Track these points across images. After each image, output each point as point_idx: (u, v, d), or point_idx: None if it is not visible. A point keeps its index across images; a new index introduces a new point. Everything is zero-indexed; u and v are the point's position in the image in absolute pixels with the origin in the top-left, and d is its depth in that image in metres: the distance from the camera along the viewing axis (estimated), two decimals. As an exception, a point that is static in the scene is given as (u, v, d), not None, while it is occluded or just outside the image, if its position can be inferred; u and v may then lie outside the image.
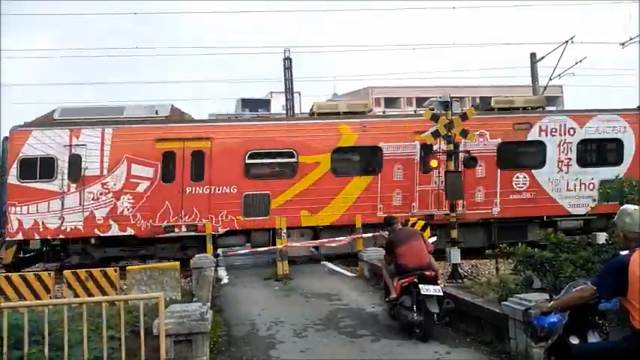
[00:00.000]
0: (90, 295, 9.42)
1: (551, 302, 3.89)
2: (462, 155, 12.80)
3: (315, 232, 14.31)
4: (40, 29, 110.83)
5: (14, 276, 9.93)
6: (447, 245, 11.91)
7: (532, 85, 22.89)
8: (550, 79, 21.82)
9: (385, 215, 10.38)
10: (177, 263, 10.68)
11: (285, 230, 12.31)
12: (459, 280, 11.24)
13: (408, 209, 14.31)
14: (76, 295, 9.41)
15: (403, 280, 7.17)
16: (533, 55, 22.66)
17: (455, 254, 11.62)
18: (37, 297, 9.46)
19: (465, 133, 12.18)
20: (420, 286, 6.84)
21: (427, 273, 7.05)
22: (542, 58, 22.18)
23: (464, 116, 12.22)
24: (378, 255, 10.55)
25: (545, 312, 3.84)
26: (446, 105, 12.11)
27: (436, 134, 12.07)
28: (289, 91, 23.99)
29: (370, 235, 13.09)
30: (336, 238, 13.51)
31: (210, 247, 12.92)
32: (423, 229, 12.61)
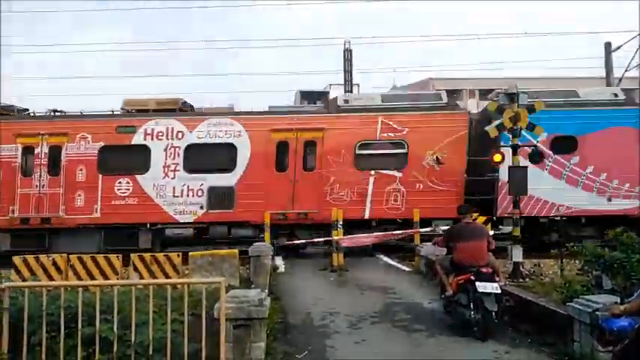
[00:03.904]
0: (154, 278, 9.87)
1: (624, 305, 3.69)
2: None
3: None
4: (111, 24, 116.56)
5: (86, 257, 10.56)
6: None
7: (606, 77, 21.64)
8: (626, 70, 20.55)
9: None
10: (237, 250, 10.98)
11: (340, 222, 12.36)
12: (521, 280, 10.87)
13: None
14: (142, 278, 9.88)
15: (459, 278, 7.03)
16: (608, 45, 21.40)
17: (516, 252, 11.23)
18: (106, 278, 10.03)
19: (531, 127, 11.69)
20: (477, 283, 6.68)
21: (484, 270, 6.86)
22: (619, 47, 20.91)
23: (531, 109, 11.72)
24: (436, 250, 10.37)
25: (615, 315, 3.65)
26: (512, 97, 11.63)
27: (501, 127, 11.67)
28: (348, 83, 23.91)
29: (428, 229, 12.91)
30: (394, 232, 13.40)
31: (267, 235, 13.17)
32: (484, 224, 12.25)
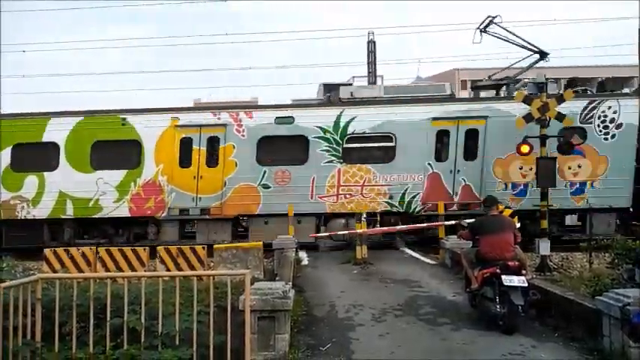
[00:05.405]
0: (180, 270, 10.02)
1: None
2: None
3: None
4: (136, 21, 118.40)
5: (114, 250, 10.79)
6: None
7: (639, 64, 20.97)
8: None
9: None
10: (261, 243, 11.06)
11: (364, 215, 12.33)
12: (548, 273, 10.70)
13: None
14: (168, 270, 10.05)
15: (485, 271, 6.94)
16: (641, 31, 20.72)
17: (544, 246, 11.04)
18: (134, 270, 10.23)
19: (561, 117, 11.44)
20: (503, 277, 6.58)
21: (510, 263, 6.75)
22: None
23: (560, 98, 11.46)
24: (461, 243, 10.27)
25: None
26: (540, 86, 11.39)
27: (529, 118, 11.46)
28: (372, 74, 23.74)
29: (453, 222, 12.76)
30: (415, 225, 13.32)
31: (291, 228, 13.22)
32: (511, 217, 12.06)
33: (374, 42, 23.56)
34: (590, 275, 8.50)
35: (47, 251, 10.86)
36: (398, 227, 13.59)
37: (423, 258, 12.38)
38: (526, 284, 6.60)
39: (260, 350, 5.64)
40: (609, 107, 13.39)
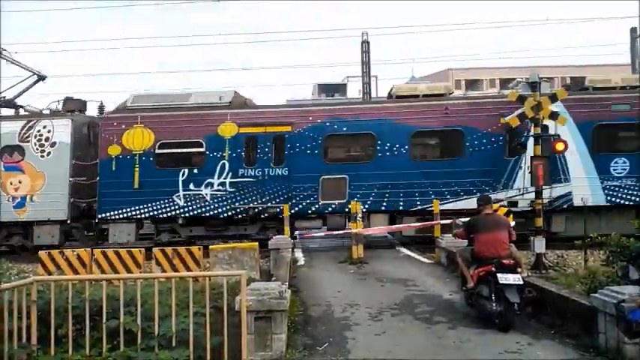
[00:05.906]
0: (176, 271, 9.99)
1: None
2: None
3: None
4: (126, 20, 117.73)
5: (110, 252, 10.74)
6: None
7: (631, 64, 21.14)
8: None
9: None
10: (256, 244, 11.05)
11: (360, 214, 12.34)
12: (544, 271, 10.75)
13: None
14: (164, 271, 10.02)
15: (480, 269, 6.96)
16: (633, 30, 20.87)
17: (539, 243, 11.09)
18: (129, 271, 10.19)
19: (555, 116, 11.49)
20: (498, 275, 6.61)
21: (505, 262, 6.77)
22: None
23: (553, 97, 11.51)
24: (456, 242, 10.29)
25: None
26: (534, 86, 11.44)
27: (522, 117, 11.50)
28: (366, 74, 23.75)
29: (449, 221, 12.79)
30: (411, 224, 13.36)
31: (287, 229, 13.22)
32: (506, 215, 12.09)
33: (368, 42, 23.56)
34: (585, 273, 8.53)
35: (42, 253, 10.80)
36: (394, 226, 13.64)
37: (418, 257, 12.41)
38: (521, 282, 6.62)
39: (257, 350, 5.64)
40: (44, 127, 14.62)
